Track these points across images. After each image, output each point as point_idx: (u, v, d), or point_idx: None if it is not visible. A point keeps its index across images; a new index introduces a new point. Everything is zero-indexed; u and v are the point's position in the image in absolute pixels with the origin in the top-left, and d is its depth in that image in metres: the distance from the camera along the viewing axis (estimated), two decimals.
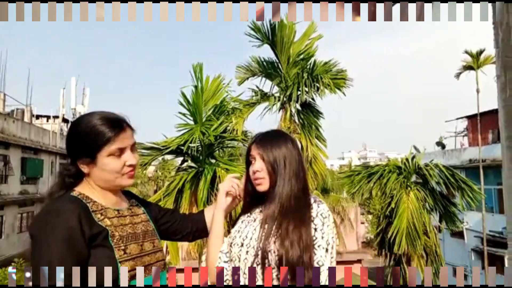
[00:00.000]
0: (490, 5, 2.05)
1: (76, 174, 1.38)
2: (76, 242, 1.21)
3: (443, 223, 10.64)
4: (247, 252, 1.41)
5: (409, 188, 10.71)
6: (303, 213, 1.38)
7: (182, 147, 8.15)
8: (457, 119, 22.68)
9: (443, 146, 24.11)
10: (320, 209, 1.40)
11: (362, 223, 27.91)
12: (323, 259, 1.33)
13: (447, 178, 10.37)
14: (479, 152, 17.30)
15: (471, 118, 20.96)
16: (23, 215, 18.74)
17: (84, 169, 1.35)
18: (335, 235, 1.40)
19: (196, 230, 1.72)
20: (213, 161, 8.64)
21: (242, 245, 1.44)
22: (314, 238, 1.35)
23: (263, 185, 1.47)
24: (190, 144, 8.03)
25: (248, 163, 1.53)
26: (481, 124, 17.50)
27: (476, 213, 17.37)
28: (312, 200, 1.43)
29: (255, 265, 1.36)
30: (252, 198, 1.55)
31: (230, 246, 1.49)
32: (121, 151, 1.36)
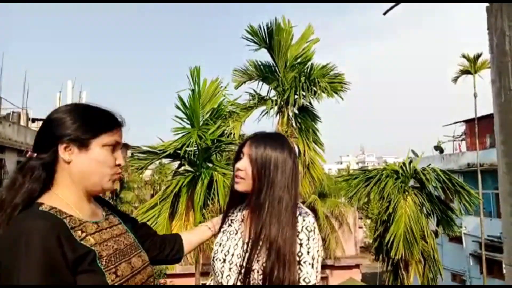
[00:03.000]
0: (485, 10, 2.05)
1: (48, 167, 1.09)
2: (58, 270, 0.97)
3: (441, 227, 10.62)
4: (229, 269, 1.32)
5: (406, 193, 10.69)
6: (289, 230, 1.27)
7: (179, 151, 8.13)
8: (455, 123, 22.72)
9: (441, 150, 24.13)
10: (305, 223, 1.29)
11: (360, 227, 27.84)
12: (309, 275, 1.25)
13: (445, 182, 10.36)
14: (477, 157, 17.31)
15: (469, 122, 20.99)
16: None
17: (66, 155, 1.09)
18: (321, 247, 1.31)
19: (171, 250, 1.50)
20: (210, 165, 8.62)
21: (224, 261, 1.35)
22: (299, 254, 1.26)
23: (240, 185, 1.35)
24: (187, 148, 8.01)
25: (237, 159, 1.39)
26: (479, 128, 17.49)
27: (474, 218, 17.34)
28: (297, 213, 1.31)
29: (238, 282, 1.28)
30: (234, 198, 1.46)
31: (212, 260, 1.40)
32: (116, 146, 1.18)
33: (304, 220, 1.30)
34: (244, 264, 1.26)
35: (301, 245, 1.27)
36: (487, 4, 2.05)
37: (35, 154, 1.11)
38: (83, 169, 1.11)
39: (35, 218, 1.01)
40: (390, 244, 9.98)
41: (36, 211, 1.04)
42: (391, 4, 2.39)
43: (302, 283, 1.24)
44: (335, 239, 17.65)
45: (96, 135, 1.11)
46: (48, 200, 1.08)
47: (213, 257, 1.40)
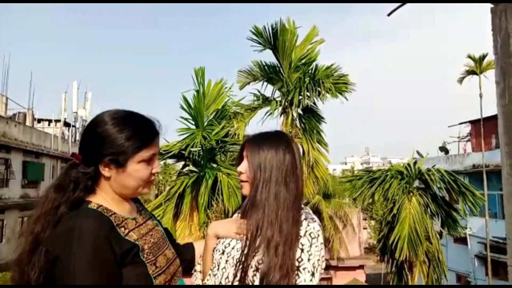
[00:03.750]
0: (489, 12, 2.05)
1: (93, 178, 1.21)
2: (107, 264, 1.09)
3: (445, 228, 10.58)
4: (226, 261, 1.30)
5: (411, 194, 10.66)
6: (290, 230, 1.23)
7: (184, 152, 8.16)
8: (460, 124, 22.60)
9: (446, 151, 24.03)
10: (309, 228, 1.25)
11: (365, 228, 27.79)
12: (306, 283, 1.19)
13: (449, 183, 10.33)
14: (482, 158, 17.22)
15: (474, 123, 20.87)
16: (24, 219, 18.75)
17: (106, 172, 1.20)
18: (323, 257, 1.25)
19: (184, 260, 1.49)
20: (214, 165, 8.65)
21: (223, 252, 1.33)
22: (300, 259, 1.21)
23: (244, 189, 1.36)
24: (191, 149, 8.04)
25: (239, 162, 1.40)
26: (485, 129, 17.38)
27: (480, 219, 17.25)
28: (303, 217, 1.28)
29: (231, 277, 1.26)
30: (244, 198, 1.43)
31: (213, 251, 1.38)
32: (152, 157, 1.24)
33: (308, 225, 1.26)
34: (242, 259, 1.24)
35: (302, 250, 1.22)
36: (491, 5, 2.06)
37: (80, 157, 1.22)
38: (120, 183, 1.22)
39: (86, 216, 1.13)
40: (395, 245, 9.96)
41: (86, 209, 1.16)
42: (393, 5, 2.41)
43: None
44: (339, 240, 17.63)
45: (132, 154, 1.19)
46: (95, 199, 1.20)
47: (214, 248, 1.38)
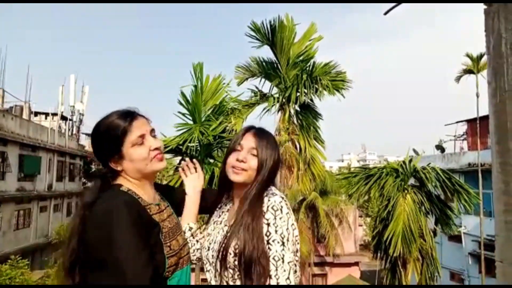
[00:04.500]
0: (482, 12, 2.09)
1: (111, 173, 1.42)
2: (143, 236, 1.25)
3: (439, 226, 10.66)
4: (212, 255, 1.40)
5: (406, 191, 10.73)
6: (256, 211, 1.34)
7: (181, 147, 8.19)
8: (457, 122, 22.68)
9: (443, 150, 24.13)
10: (270, 202, 1.34)
11: (360, 225, 27.90)
12: (279, 253, 1.27)
13: (444, 181, 10.39)
14: (477, 156, 17.31)
15: (470, 122, 20.95)
16: (20, 212, 18.75)
17: (117, 167, 1.39)
18: (292, 225, 1.33)
19: None
20: (211, 161, 8.69)
21: (208, 248, 1.44)
22: (268, 233, 1.30)
23: (241, 176, 1.42)
24: (189, 144, 8.07)
25: (233, 149, 1.48)
26: (481, 128, 17.45)
27: (474, 217, 17.36)
28: (264, 194, 1.39)
29: (218, 266, 1.35)
30: (223, 187, 1.53)
31: (201, 249, 1.50)
32: (142, 138, 1.38)
33: (269, 200, 1.35)
34: (221, 248, 1.34)
35: (268, 224, 1.31)
36: (485, 6, 2.09)
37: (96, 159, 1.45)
38: (131, 168, 1.39)
39: (121, 195, 1.32)
40: (389, 242, 10.03)
41: (119, 190, 1.35)
42: (392, 4, 2.43)
43: (273, 262, 1.26)
44: (334, 237, 17.70)
45: (121, 144, 1.36)
46: (125, 183, 1.39)
47: (202, 247, 1.50)
